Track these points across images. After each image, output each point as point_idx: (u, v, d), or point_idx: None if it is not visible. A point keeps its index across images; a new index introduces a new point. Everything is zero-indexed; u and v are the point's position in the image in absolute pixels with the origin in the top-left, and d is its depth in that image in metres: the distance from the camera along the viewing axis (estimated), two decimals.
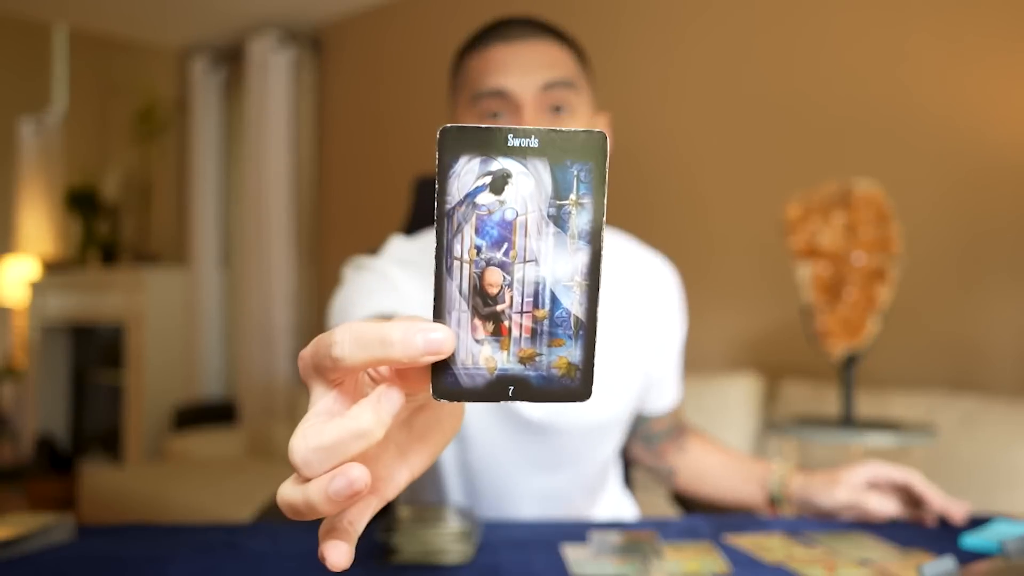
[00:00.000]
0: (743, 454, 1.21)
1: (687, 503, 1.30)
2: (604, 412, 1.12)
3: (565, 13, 3.45)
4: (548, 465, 1.11)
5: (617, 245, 1.19)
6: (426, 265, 1.06)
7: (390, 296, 0.98)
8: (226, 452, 3.95)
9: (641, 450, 1.26)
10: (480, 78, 0.92)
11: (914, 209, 2.47)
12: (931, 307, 2.56)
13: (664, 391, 1.22)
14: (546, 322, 0.41)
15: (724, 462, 1.19)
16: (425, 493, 1.16)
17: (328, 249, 4.51)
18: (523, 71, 0.90)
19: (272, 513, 1.25)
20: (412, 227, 1.35)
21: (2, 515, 0.92)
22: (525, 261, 0.41)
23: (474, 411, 1.08)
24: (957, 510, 0.99)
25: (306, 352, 0.42)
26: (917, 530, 0.98)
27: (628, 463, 1.40)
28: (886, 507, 0.99)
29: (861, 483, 1.03)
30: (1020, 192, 2.42)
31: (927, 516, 1.01)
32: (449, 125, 0.39)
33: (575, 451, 1.12)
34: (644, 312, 1.16)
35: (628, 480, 1.41)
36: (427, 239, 1.13)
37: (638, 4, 3.29)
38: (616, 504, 1.25)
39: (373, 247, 1.22)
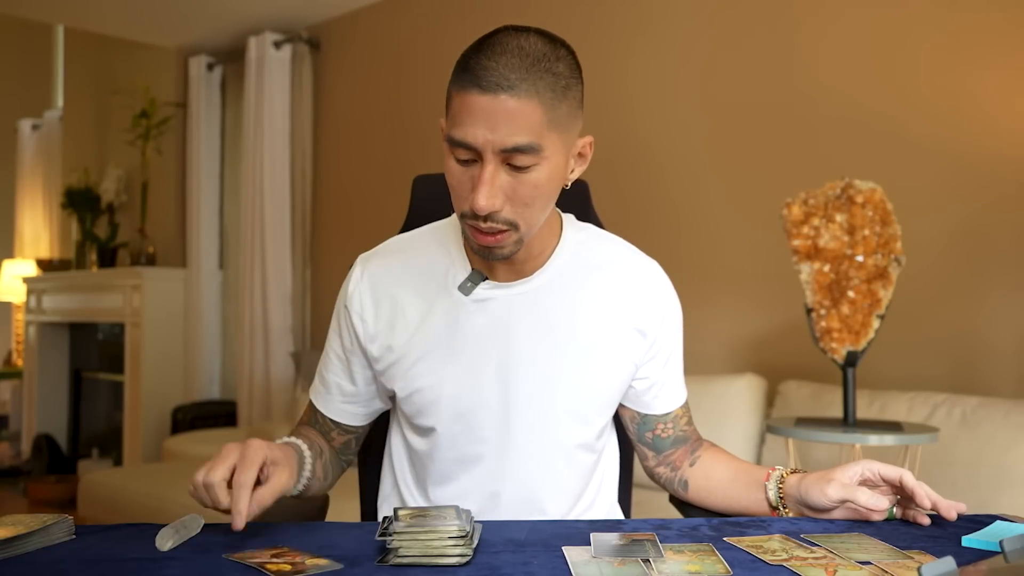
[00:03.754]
0: (750, 464, 1.21)
1: (685, 505, 1.29)
2: (578, 412, 1.13)
3: (562, 16, 3.45)
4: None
5: (609, 249, 1.19)
6: (410, 250, 1.18)
7: (342, 336, 1.19)
8: None
9: (652, 459, 1.25)
10: (455, 123, 0.98)
11: (915, 210, 2.47)
12: (931, 307, 2.56)
13: (663, 393, 1.21)
14: None
15: (732, 473, 1.18)
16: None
17: (324, 249, 4.51)
18: (489, 128, 0.95)
19: (271, 513, 1.25)
20: (410, 226, 1.35)
21: (2, 515, 0.92)
22: None
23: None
24: (948, 507, 0.99)
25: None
26: (917, 531, 0.98)
27: (630, 483, 1.41)
28: (877, 502, 1.00)
29: (853, 480, 1.03)
30: (1020, 193, 2.42)
31: (919, 514, 1.02)
32: None
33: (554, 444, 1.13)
34: (632, 317, 1.15)
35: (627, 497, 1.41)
36: (419, 230, 1.21)
37: (637, 4, 3.29)
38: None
39: (368, 248, 1.23)
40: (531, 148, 0.96)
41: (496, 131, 0.95)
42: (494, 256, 1.03)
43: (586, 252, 1.16)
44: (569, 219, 1.18)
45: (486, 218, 0.98)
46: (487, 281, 1.11)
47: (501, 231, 1.00)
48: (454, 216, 1.18)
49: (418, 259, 1.15)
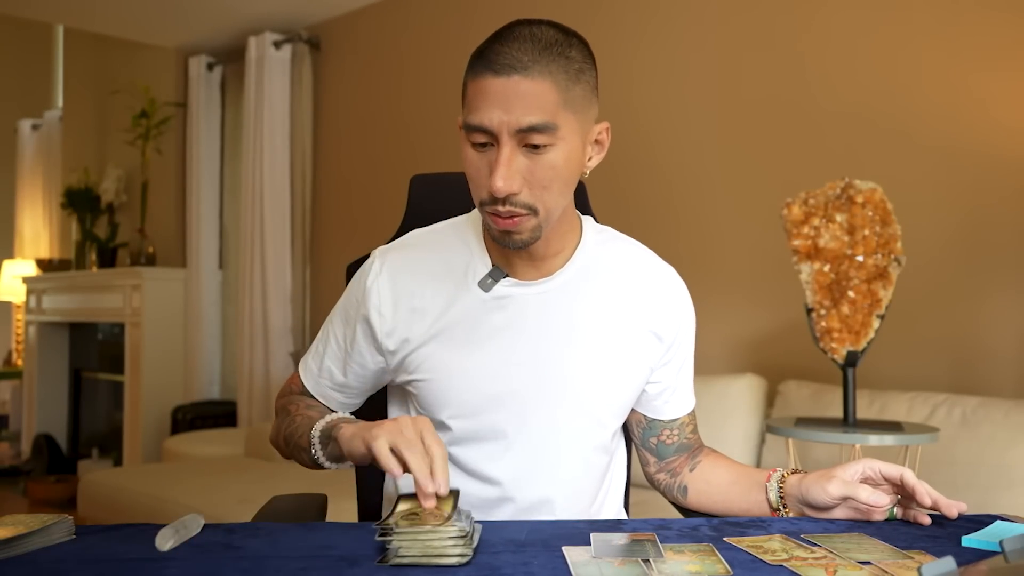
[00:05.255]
0: (749, 467, 1.20)
1: (684, 508, 1.29)
2: (594, 413, 1.13)
3: (565, 14, 3.44)
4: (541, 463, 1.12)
5: (628, 251, 1.18)
6: (435, 243, 1.16)
7: (351, 327, 1.16)
8: (225, 452, 3.95)
9: (652, 465, 1.25)
10: (471, 109, 0.99)
11: (915, 210, 2.47)
12: (931, 307, 2.56)
13: (673, 399, 1.21)
14: None
15: (732, 476, 1.18)
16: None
17: (324, 249, 4.51)
18: (504, 110, 0.96)
19: (272, 513, 1.25)
20: (407, 226, 1.34)
21: (2, 515, 0.92)
22: None
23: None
24: (949, 505, 0.99)
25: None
26: (917, 531, 0.98)
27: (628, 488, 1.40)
28: (878, 499, 1.00)
29: (854, 477, 1.03)
30: (1020, 193, 2.42)
31: (920, 513, 1.02)
32: None
33: (565, 449, 1.12)
34: (650, 320, 1.15)
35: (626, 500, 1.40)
36: (439, 225, 1.19)
37: (640, 3, 3.29)
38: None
39: (368, 248, 1.22)
40: (546, 127, 0.97)
41: (511, 112, 0.96)
42: (513, 242, 1.02)
43: (606, 253, 1.16)
44: (588, 220, 1.18)
45: (504, 201, 0.98)
46: (507, 279, 1.10)
47: (520, 215, 1.00)
48: (475, 212, 1.17)
49: (438, 253, 1.14)
